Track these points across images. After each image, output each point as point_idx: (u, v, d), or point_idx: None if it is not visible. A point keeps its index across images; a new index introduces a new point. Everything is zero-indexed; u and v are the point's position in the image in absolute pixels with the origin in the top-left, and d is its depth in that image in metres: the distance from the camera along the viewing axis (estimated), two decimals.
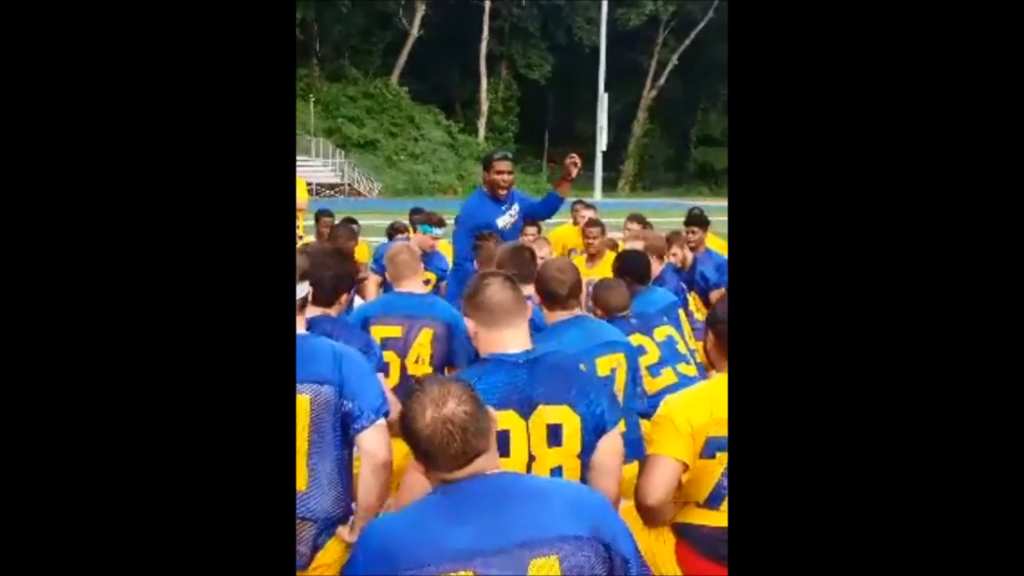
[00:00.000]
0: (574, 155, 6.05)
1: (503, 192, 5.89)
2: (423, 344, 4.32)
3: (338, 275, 3.59)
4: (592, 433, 2.54)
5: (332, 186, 39.72)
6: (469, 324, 2.67)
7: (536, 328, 3.88)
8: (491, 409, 1.93)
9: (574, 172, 6.02)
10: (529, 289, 4.15)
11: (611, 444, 2.61)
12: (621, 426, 3.58)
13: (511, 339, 2.60)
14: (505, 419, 2.42)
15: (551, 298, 3.58)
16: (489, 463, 1.88)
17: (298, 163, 36.91)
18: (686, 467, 2.57)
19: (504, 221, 5.91)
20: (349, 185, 40.51)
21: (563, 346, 3.46)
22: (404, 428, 1.87)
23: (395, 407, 3.60)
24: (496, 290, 2.62)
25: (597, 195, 42.73)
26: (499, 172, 5.86)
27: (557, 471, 2.47)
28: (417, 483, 2.26)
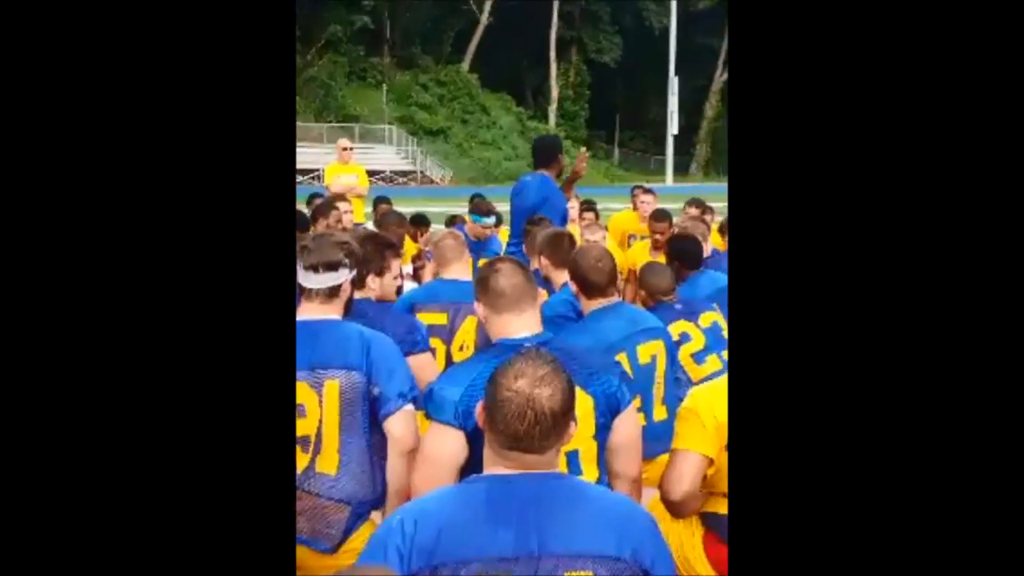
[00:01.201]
0: (584, 151, 6.24)
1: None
2: (468, 331, 4.32)
3: (361, 259, 3.57)
4: (606, 413, 2.50)
5: (404, 173, 40.06)
6: (479, 308, 2.68)
7: (575, 311, 3.88)
8: (575, 425, 1.89)
9: (582, 171, 6.22)
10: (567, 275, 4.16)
11: (628, 423, 2.57)
12: (663, 412, 3.58)
13: (519, 324, 2.59)
14: None
15: (589, 287, 3.56)
16: (543, 463, 1.84)
17: (371, 151, 37.39)
18: (711, 461, 2.53)
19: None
20: (421, 172, 40.80)
21: (603, 334, 3.46)
22: (490, 378, 1.85)
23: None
24: (505, 275, 2.61)
25: (668, 180, 42.33)
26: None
27: (573, 455, 2.45)
28: (423, 486, 2.29)
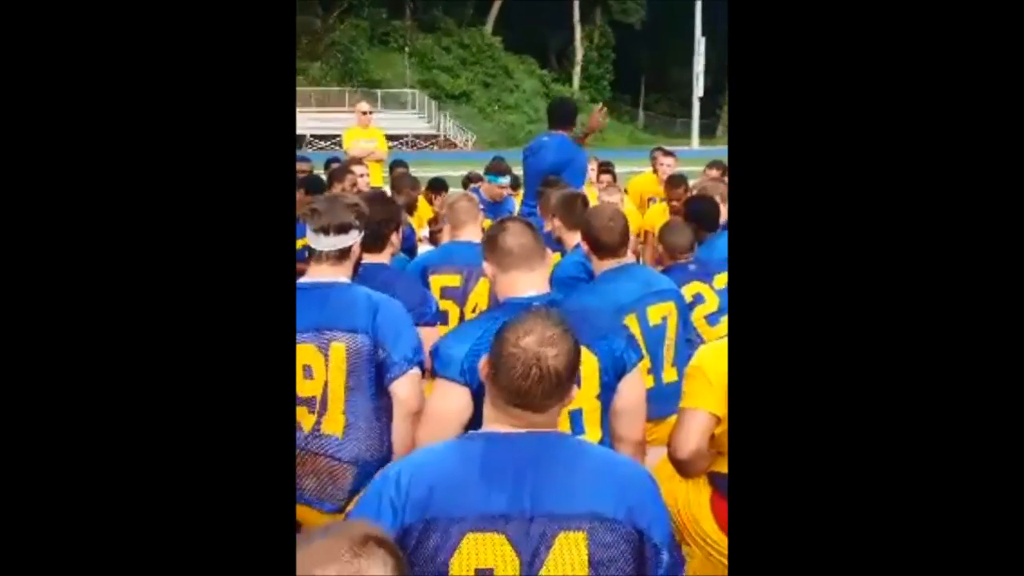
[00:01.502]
0: (601, 108, 6.19)
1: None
2: (481, 293, 4.30)
3: (380, 219, 3.55)
4: (611, 373, 2.49)
5: (427, 137, 39.97)
6: (487, 268, 2.68)
7: (587, 273, 3.85)
8: (577, 387, 1.88)
9: (598, 126, 6.16)
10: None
11: (633, 386, 2.55)
12: (673, 374, 3.55)
13: (527, 283, 2.58)
14: None
15: (601, 247, 3.54)
16: (543, 422, 1.83)
17: (393, 116, 37.31)
18: (719, 420, 2.51)
19: None
20: (444, 136, 40.68)
21: (614, 295, 3.44)
22: (498, 333, 1.86)
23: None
24: (513, 234, 2.61)
25: (694, 143, 42.01)
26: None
27: (576, 413, 2.44)
28: (427, 442, 2.28)
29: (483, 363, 1.90)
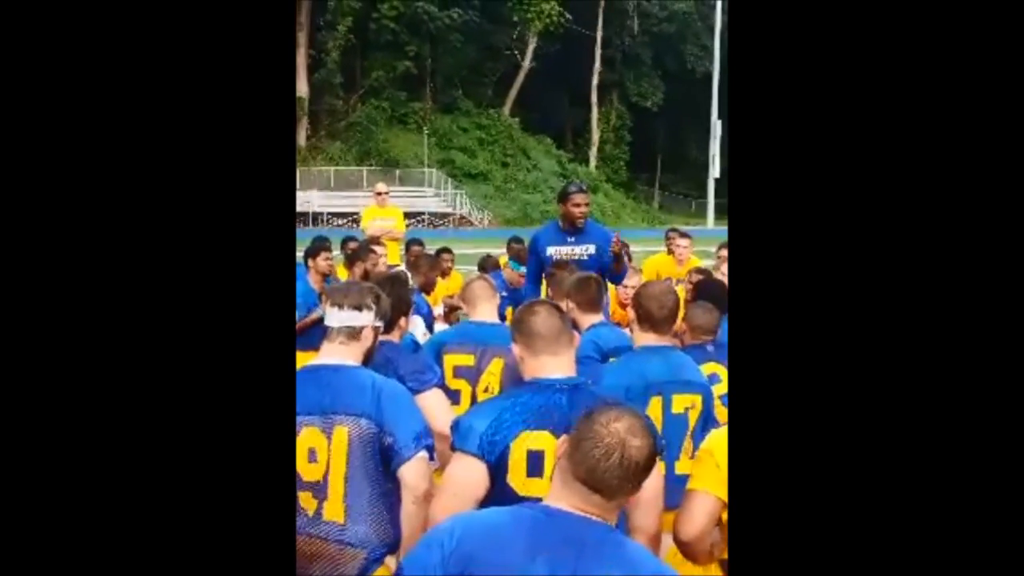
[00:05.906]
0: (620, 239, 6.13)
1: (580, 223, 5.95)
2: (493, 373, 4.29)
3: (393, 302, 3.57)
4: None
5: (442, 215, 40.38)
6: (515, 349, 2.73)
7: (600, 352, 3.84)
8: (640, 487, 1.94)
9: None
10: (596, 317, 4.15)
11: (651, 478, 2.51)
12: (688, 466, 3.49)
13: (554, 365, 2.63)
14: (541, 440, 2.48)
15: (646, 318, 3.54)
16: (603, 509, 1.87)
17: (410, 193, 37.77)
18: (726, 505, 2.47)
19: (561, 251, 5.94)
20: (461, 216, 41.08)
21: (644, 372, 3.42)
22: (586, 415, 1.93)
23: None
24: (542, 318, 2.68)
25: (710, 223, 42.23)
26: (575, 204, 5.94)
27: None
28: (441, 515, 2.29)
29: (562, 440, 1.97)
